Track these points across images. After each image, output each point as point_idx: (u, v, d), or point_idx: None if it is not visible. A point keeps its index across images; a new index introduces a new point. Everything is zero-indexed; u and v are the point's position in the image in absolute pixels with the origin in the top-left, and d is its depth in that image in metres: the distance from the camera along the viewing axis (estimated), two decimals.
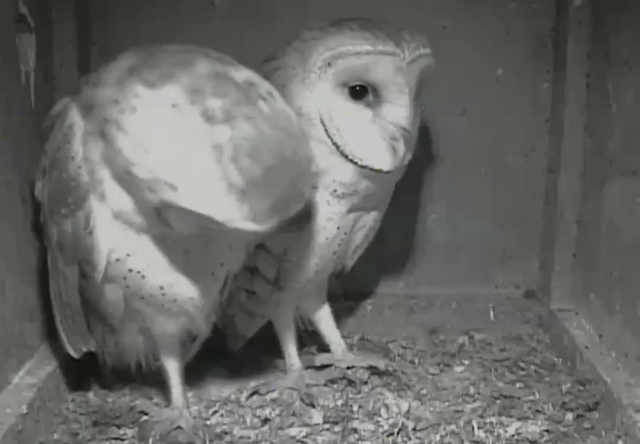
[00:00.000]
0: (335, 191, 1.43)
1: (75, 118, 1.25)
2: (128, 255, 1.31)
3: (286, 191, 1.12)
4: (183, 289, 1.35)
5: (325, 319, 1.68)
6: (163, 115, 1.12)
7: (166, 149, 1.11)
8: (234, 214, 1.10)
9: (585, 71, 1.72)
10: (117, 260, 1.31)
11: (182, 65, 1.15)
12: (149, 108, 1.13)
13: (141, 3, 1.76)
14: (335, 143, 1.40)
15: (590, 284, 1.71)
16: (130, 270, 1.32)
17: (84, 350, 1.48)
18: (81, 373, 1.61)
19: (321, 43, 1.38)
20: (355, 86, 1.39)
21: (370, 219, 1.54)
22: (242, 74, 1.17)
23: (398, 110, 1.39)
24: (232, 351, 1.66)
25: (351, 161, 1.41)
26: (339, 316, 1.75)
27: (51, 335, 1.57)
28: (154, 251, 1.31)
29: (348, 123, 1.40)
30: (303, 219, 1.40)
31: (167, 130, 1.11)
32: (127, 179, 1.18)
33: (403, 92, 1.38)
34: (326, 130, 1.39)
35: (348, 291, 1.81)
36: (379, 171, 1.42)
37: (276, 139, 1.12)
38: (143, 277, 1.33)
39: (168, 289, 1.35)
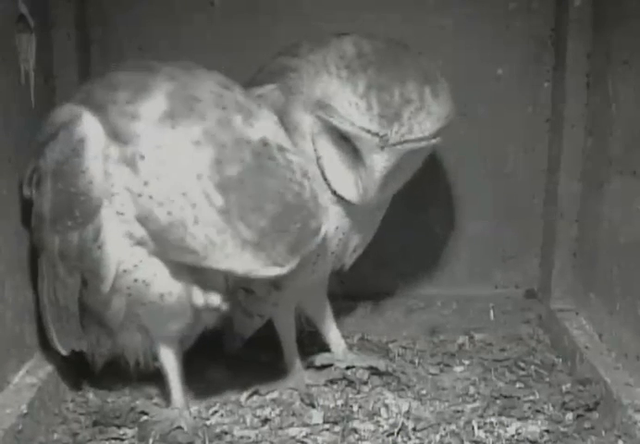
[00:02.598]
0: (333, 194, 1.44)
1: (90, 133, 1.26)
2: (135, 266, 1.32)
3: (298, 232, 1.21)
4: (185, 294, 1.36)
5: (325, 319, 1.69)
6: (191, 182, 1.20)
7: (189, 218, 1.20)
8: (254, 265, 1.21)
9: (585, 71, 1.72)
10: (125, 271, 1.32)
11: (220, 125, 1.22)
12: (186, 170, 1.21)
13: (141, 3, 1.76)
14: (318, 165, 1.41)
15: (590, 284, 1.71)
16: (136, 280, 1.33)
17: (76, 349, 1.49)
18: (81, 373, 1.61)
19: (324, 81, 1.35)
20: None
21: (369, 221, 1.55)
22: (259, 132, 1.24)
23: (367, 180, 1.37)
24: (231, 351, 1.66)
25: (329, 185, 1.42)
26: (339, 316, 1.75)
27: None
28: (162, 262, 1.32)
29: (330, 155, 1.41)
30: None
31: (190, 198, 1.20)
32: (151, 224, 1.25)
33: (374, 171, 1.35)
34: (315, 150, 1.41)
35: (348, 291, 1.81)
36: (349, 202, 1.43)
37: (275, 189, 1.20)
38: (147, 285, 1.34)
39: (168, 297, 1.35)
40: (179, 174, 1.21)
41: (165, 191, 1.22)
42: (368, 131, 1.32)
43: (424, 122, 1.33)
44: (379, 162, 1.35)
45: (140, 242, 1.29)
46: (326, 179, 1.42)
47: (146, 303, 1.37)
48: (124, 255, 1.31)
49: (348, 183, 1.42)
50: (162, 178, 1.22)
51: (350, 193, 1.43)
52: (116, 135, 1.25)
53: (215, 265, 1.22)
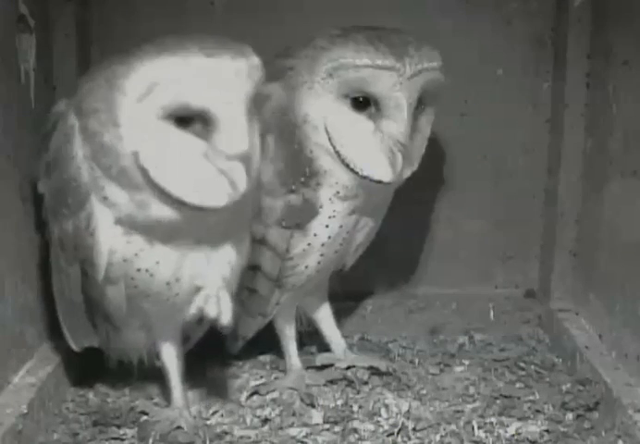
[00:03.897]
0: (337, 192, 1.45)
1: (77, 120, 1.27)
2: (136, 255, 1.31)
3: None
4: (192, 282, 1.35)
5: (325, 319, 1.69)
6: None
7: None
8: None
9: (585, 71, 1.73)
10: (125, 260, 1.31)
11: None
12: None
13: (142, 3, 1.76)
14: (337, 152, 1.41)
15: (590, 284, 1.71)
16: (139, 270, 1.33)
17: (86, 344, 1.49)
18: (82, 373, 1.61)
19: (325, 54, 1.39)
20: (358, 97, 1.40)
21: (372, 219, 1.55)
22: None
23: (395, 125, 1.40)
24: (232, 351, 1.66)
25: (352, 170, 1.42)
26: (339, 316, 1.75)
27: (51, 335, 1.57)
28: (163, 247, 1.31)
29: (350, 134, 1.42)
30: (306, 216, 1.41)
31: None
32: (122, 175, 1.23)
33: (401, 107, 1.39)
34: (330, 139, 1.41)
35: (348, 291, 1.81)
36: (379, 182, 1.43)
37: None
38: (152, 275, 1.33)
39: (175, 285, 1.35)
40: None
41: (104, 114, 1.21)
42: (385, 68, 1.36)
43: (429, 53, 1.40)
44: (402, 99, 1.38)
45: (131, 226, 1.28)
46: (348, 166, 1.42)
47: (151, 295, 1.36)
48: (119, 243, 1.30)
49: (375, 160, 1.42)
50: (99, 112, 1.21)
51: (381, 171, 1.43)
52: (79, 112, 1.26)
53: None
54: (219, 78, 1.18)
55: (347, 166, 1.42)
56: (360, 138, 1.42)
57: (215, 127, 1.20)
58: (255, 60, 1.22)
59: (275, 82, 1.41)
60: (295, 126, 1.41)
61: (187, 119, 1.20)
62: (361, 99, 1.40)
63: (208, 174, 1.23)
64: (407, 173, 1.47)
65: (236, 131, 1.20)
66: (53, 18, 1.64)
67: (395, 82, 1.37)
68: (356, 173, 1.42)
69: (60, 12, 1.65)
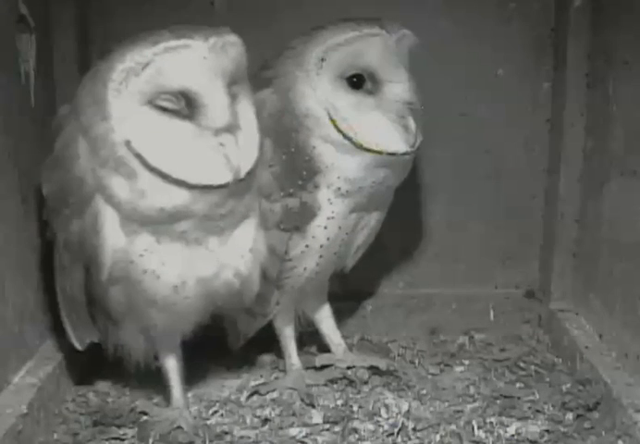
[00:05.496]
0: (339, 189, 1.45)
1: None
2: (141, 256, 1.31)
3: None
4: (200, 285, 1.36)
5: (325, 319, 1.69)
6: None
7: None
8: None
9: (585, 71, 1.72)
10: (132, 262, 1.31)
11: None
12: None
13: (141, 3, 1.76)
14: (347, 137, 1.41)
15: (590, 284, 1.71)
16: (145, 271, 1.32)
17: (88, 341, 1.49)
18: (82, 373, 1.61)
19: (310, 44, 1.41)
20: (352, 76, 1.42)
21: (372, 220, 1.55)
22: None
23: (398, 86, 1.42)
24: (232, 350, 1.66)
25: (367, 150, 1.42)
26: (340, 316, 1.75)
27: (51, 334, 1.57)
28: (170, 246, 1.31)
29: (354, 113, 1.42)
30: (305, 218, 1.41)
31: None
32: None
33: (399, 67, 1.42)
34: (336, 126, 1.41)
35: (348, 291, 1.81)
36: (395, 154, 1.43)
37: None
38: (158, 277, 1.33)
39: (182, 288, 1.35)
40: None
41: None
42: (372, 34, 1.41)
43: (400, 25, 1.46)
44: (397, 59, 1.42)
45: (138, 222, 1.28)
46: (362, 146, 1.42)
47: (158, 300, 1.35)
48: (124, 242, 1.30)
49: (385, 133, 1.44)
50: (87, 107, 1.24)
51: (394, 142, 1.44)
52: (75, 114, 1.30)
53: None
54: (191, 56, 1.22)
55: (360, 147, 1.42)
56: (364, 115, 1.43)
57: (198, 105, 1.24)
58: (232, 37, 1.25)
59: (265, 89, 1.42)
60: (292, 129, 1.41)
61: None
62: (355, 78, 1.42)
63: (202, 153, 1.25)
64: (418, 139, 1.47)
65: (216, 105, 1.24)
66: (53, 18, 1.65)
67: (385, 47, 1.41)
68: (370, 151, 1.42)
69: (60, 12, 1.65)
